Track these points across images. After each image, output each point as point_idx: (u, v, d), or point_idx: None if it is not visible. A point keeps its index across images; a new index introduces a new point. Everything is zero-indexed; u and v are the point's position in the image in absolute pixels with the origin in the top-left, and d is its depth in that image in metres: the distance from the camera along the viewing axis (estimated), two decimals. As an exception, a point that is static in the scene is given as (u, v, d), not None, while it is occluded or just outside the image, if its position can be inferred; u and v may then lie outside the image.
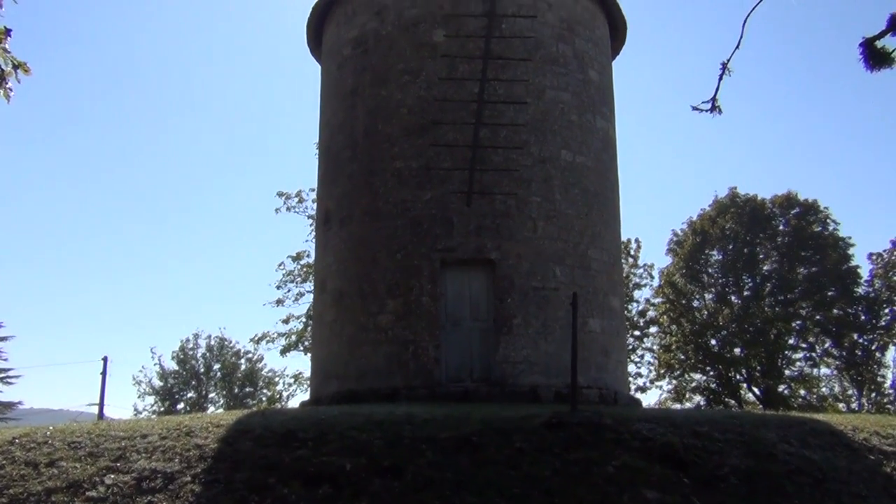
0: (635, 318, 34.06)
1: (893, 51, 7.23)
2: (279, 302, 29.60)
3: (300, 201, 29.12)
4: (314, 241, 17.22)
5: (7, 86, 6.87)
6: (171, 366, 43.80)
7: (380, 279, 13.83)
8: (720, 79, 8.13)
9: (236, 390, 43.87)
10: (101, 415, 35.24)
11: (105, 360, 37.64)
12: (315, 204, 20.34)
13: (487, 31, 13.35)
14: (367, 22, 15.25)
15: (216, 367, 44.54)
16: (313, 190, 25.26)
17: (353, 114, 15.04)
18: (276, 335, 30.08)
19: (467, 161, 13.40)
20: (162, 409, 41.77)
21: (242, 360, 44.58)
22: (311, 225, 27.97)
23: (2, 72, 6.87)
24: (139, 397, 43.40)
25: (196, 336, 44.74)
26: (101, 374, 37.54)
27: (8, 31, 6.83)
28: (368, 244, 14.13)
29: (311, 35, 17.17)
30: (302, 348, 29.45)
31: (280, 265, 29.80)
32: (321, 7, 16.29)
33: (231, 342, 44.92)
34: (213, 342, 44.85)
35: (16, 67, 6.95)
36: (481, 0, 13.78)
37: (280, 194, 29.18)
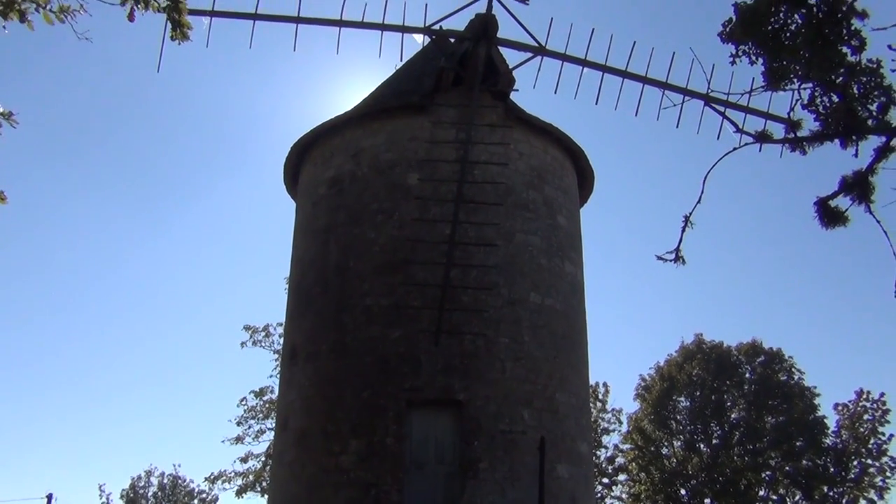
0: (604, 465, 33.42)
1: (846, 210, 7.59)
2: (238, 439, 28.69)
3: (267, 336, 28.82)
4: (279, 376, 16.92)
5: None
6: (120, 505, 41.63)
7: (344, 418, 13.52)
8: (683, 231, 8.42)
9: (186, 533, 41.61)
10: (38, 558, 32.96)
11: (49, 497, 35.60)
12: (282, 339, 20.14)
13: (460, 177, 13.79)
14: (343, 163, 15.72)
15: (167, 507, 42.41)
16: (281, 324, 25.07)
17: (326, 250, 15.21)
18: (233, 474, 28.92)
19: (437, 300, 13.48)
20: (105, 553, 39.31)
21: (196, 501, 42.59)
22: (276, 360, 27.57)
23: None
24: (82, 540, 40.99)
25: (148, 473, 42.90)
26: (44, 512, 35.41)
27: None
28: (334, 381, 13.91)
29: (288, 173, 17.61)
30: (259, 489, 28.26)
31: (242, 400, 29.10)
32: (299, 147, 16.80)
33: (185, 481, 43.05)
34: (165, 480, 42.95)
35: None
36: (454, 147, 14.32)
37: (247, 328, 28.91)
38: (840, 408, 34.95)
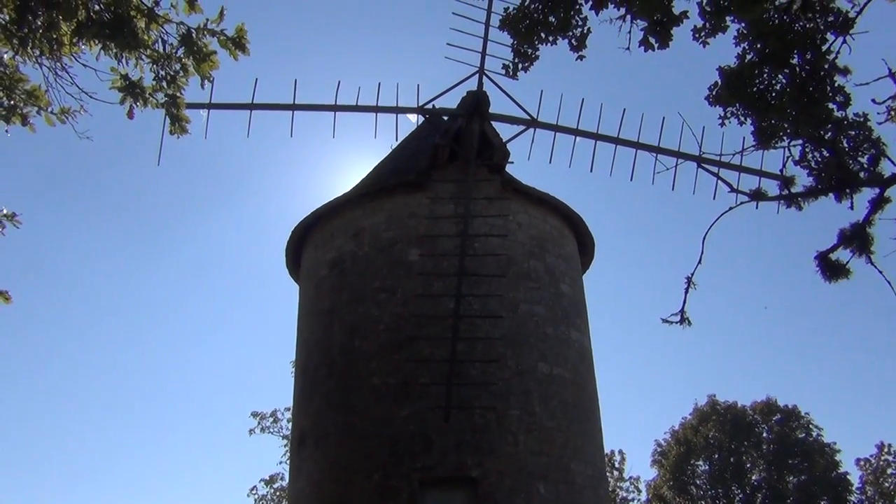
0: (626, 537, 32.49)
1: (847, 262, 7.61)
2: (250, 530, 28.06)
3: (275, 421, 28.54)
4: (289, 462, 16.64)
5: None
6: None
7: (356, 502, 13.21)
8: (686, 292, 8.43)
9: None
10: None
11: None
12: (290, 424, 19.90)
13: (461, 250, 13.86)
14: (344, 244, 15.82)
15: None
16: (288, 409, 24.82)
17: (331, 331, 15.15)
18: (245, 568, 28.21)
19: (445, 376, 13.35)
20: None
21: None
22: (285, 446, 27.18)
23: None
24: None
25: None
26: None
27: None
28: (344, 465, 13.65)
29: (289, 257, 17.70)
30: (273, 582, 27.49)
31: (252, 489, 28.61)
32: (300, 231, 16.93)
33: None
34: (176, 578, 41.79)
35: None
36: (454, 222, 14.43)
37: (254, 414, 28.64)
38: (862, 463, 34.26)
